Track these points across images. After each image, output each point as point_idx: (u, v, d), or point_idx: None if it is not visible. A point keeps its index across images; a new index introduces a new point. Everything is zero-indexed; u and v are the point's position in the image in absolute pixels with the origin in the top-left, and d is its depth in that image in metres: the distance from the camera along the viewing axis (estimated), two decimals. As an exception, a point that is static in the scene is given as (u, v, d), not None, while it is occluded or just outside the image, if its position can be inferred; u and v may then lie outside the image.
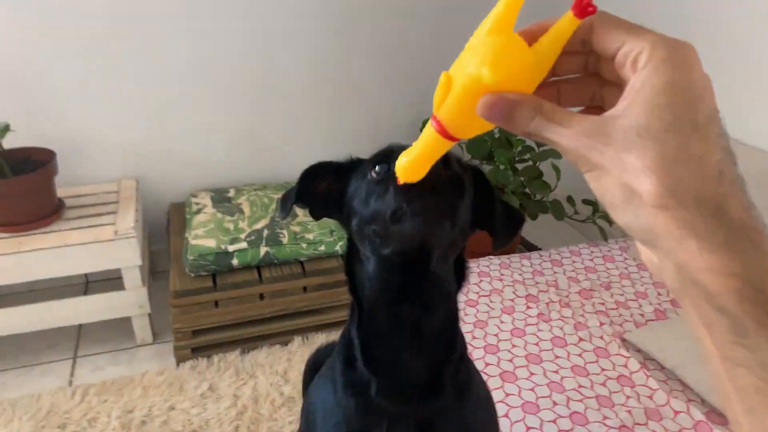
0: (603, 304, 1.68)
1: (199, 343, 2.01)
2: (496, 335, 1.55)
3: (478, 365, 1.31)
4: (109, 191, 2.27)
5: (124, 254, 1.99)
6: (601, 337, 1.53)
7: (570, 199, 2.16)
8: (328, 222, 2.17)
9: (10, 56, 2.11)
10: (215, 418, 1.79)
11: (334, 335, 2.12)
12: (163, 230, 2.46)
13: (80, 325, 2.21)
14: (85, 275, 2.39)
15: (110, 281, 2.18)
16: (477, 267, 1.84)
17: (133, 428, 1.76)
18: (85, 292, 2.33)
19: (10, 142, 1.97)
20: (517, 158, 2.15)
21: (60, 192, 2.13)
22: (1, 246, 1.92)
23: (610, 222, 1.96)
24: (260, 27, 2.34)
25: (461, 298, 1.18)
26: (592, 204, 2.07)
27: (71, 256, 1.95)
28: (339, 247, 2.09)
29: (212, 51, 2.32)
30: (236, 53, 2.35)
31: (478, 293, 1.72)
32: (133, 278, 2.03)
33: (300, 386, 1.44)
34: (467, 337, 1.16)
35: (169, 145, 2.39)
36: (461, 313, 1.20)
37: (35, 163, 2.02)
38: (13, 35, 2.09)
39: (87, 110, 2.25)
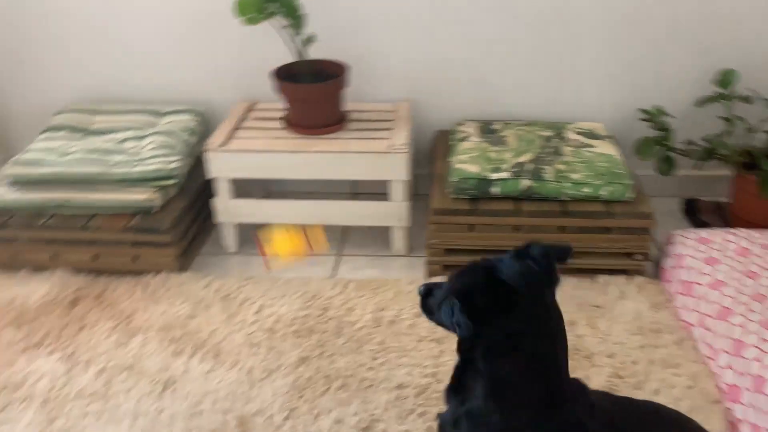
0: None
1: (450, 262, 2.09)
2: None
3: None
4: (386, 110, 2.42)
5: (395, 167, 2.11)
6: None
7: None
8: (596, 164, 2.08)
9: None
10: (458, 333, 1.86)
11: (585, 283, 2.05)
12: (426, 156, 2.56)
13: (346, 228, 2.42)
14: (352, 188, 2.61)
15: (372, 195, 2.34)
16: None
17: (383, 324, 1.90)
18: (352, 201, 2.54)
19: (311, 53, 2.18)
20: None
21: (346, 106, 2.32)
22: (294, 144, 2.17)
23: None
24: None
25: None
26: None
27: (350, 162, 2.12)
28: (605, 192, 2.00)
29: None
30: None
31: None
32: (399, 191, 2.15)
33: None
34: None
35: (445, 71, 2.46)
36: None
37: (329, 75, 2.22)
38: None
39: (380, 33, 2.40)
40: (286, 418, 1.59)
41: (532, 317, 1.02)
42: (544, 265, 1.04)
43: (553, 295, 1.07)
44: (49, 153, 2.21)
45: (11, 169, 2.13)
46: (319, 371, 1.73)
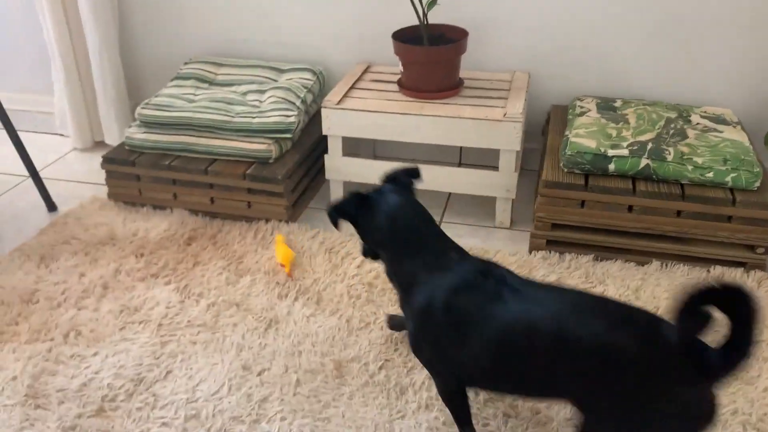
0: None
1: (555, 237, 2.05)
2: None
3: None
4: (502, 80, 2.38)
5: (507, 137, 2.08)
6: None
7: None
8: (722, 149, 1.97)
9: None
10: (558, 307, 1.82)
11: (699, 272, 1.96)
12: (537, 131, 2.51)
13: (449, 195, 2.42)
14: (459, 155, 2.60)
15: (478, 166, 2.32)
16: None
17: (483, 292, 1.89)
18: (458, 170, 2.53)
19: (433, 17, 2.17)
20: None
21: (461, 73, 2.31)
22: (407, 107, 2.18)
23: None
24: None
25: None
26: None
27: (462, 129, 2.11)
28: (730, 178, 1.89)
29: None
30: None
31: None
32: (509, 162, 2.13)
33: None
34: None
35: (566, 43, 2.38)
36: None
37: (448, 40, 2.21)
38: None
39: (503, 0, 2.36)
40: (381, 367, 1.63)
41: (390, 210, 1.38)
42: (402, 182, 1.45)
43: (412, 194, 1.45)
44: (177, 99, 2.34)
45: (143, 110, 2.28)
46: (415, 328, 1.75)
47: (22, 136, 2.33)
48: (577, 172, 2.00)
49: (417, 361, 1.63)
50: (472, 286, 1.23)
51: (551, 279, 1.94)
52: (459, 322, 1.22)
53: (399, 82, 2.30)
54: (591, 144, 2.00)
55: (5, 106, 2.26)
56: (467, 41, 2.21)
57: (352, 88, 2.32)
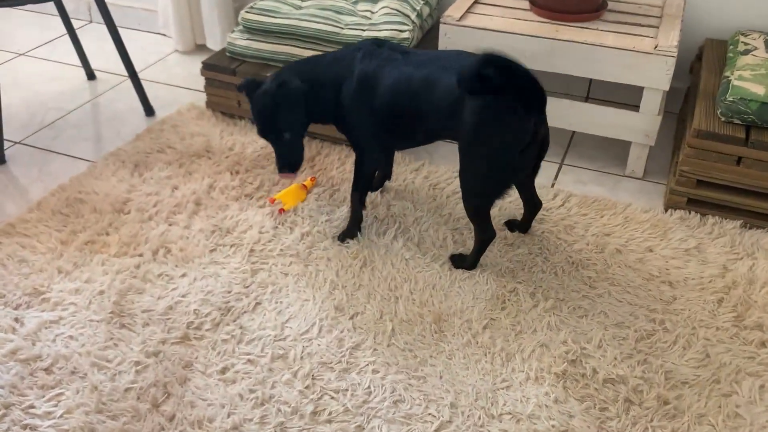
0: None
1: (698, 196, 1.76)
2: None
3: None
4: (652, 4, 2.04)
5: (656, 73, 1.78)
6: None
7: None
8: None
9: None
10: (695, 279, 1.57)
11: None
12: (683, 68, 2.17)
13: (573, 133, 2.15)
14: (588, 88, 2.30)
15: (610, 103, 2.02)
16: None
17: (606, 252, 1.66)
18: (585, 106, 2.24)
19: None
20: None
21: (606, -9, 1.98)
22: (539, 29, 1.90)
23: None
24: None
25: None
26: None
27: (602, 59, 1.82)
28: None
29: None
30: None
31: None
32: (653, 102, 1.83)
33: None
34: None
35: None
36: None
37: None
38: None
39: None
40: (485, 327, 1.46)
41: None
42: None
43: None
44: (283, 4, 2.15)
45: (247, 14, 2.10)
46: (525, 284, 1.56)
47: (124, 33, 2.25)
48: (737, 123, 1.69)
49: (529, 324, 1.45)
50: (372, 55, 1.57)
51: (690, 244, 1.68)
52: (371, 80, 1.55)
53: (533, 1, 2.01)
54: (758, 90, 1.67)
55: (112, 2, 2.14)
56: (618, -45, 1.88)
57: (475, 2, 2.05)
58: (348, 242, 1.68)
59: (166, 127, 2.16)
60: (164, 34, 2.82)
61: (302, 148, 1.62)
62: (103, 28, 2.23)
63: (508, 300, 1.53)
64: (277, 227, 1.74)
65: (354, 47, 1.61)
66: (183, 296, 1.52)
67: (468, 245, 1.68)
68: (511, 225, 1.74)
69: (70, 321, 1.45)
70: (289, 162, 1.60)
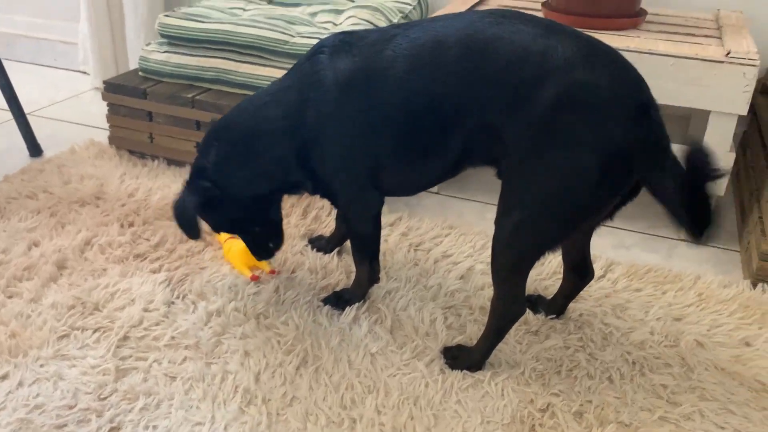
0: None
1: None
2: None
3: None
4: (700, 17, 1.57)
5: (729, 90, 1.26)
6: None
7: None
8: None
9: None
10: (834, 392, 0.98)
11: None
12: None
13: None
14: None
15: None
16: None
17: (682, 346, 1.07)
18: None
19: None
20: None
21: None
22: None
23: None
24: None
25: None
26: None
27: (652, 70, 1.30)
28: None
29: None
30: None
31: None
32: (723, 133, 1.30)
33: None
34: None
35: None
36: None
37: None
38: None
39: None
40: None
41: None
42: None
43: None
44: (217, 11, 1.64)
45: (165, 19, 1.58)
46: (564, 398, 0.96)
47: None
48: None
49: None
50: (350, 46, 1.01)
51: (804, 335, 1.09)
52: (365, 75, 0.98)
53: (545, 4, 1.52)
54: None
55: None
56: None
57: (477, 5, 1.57)
58: (333, 311, 1.12)
59: (49, 167, 1.58)
60: (84, 71, 2.30)
61: (276, 232, 1.16)
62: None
63: (540, 426, 0.92)
64: (173, 302, 1.13)
65: (309, 53, 1.06)
66: (-14, 415, 0.89)
67: (469, 332, 1.08)
68: (536, 303, 1.15)
69: None
70: (260, 250, 1.16)
